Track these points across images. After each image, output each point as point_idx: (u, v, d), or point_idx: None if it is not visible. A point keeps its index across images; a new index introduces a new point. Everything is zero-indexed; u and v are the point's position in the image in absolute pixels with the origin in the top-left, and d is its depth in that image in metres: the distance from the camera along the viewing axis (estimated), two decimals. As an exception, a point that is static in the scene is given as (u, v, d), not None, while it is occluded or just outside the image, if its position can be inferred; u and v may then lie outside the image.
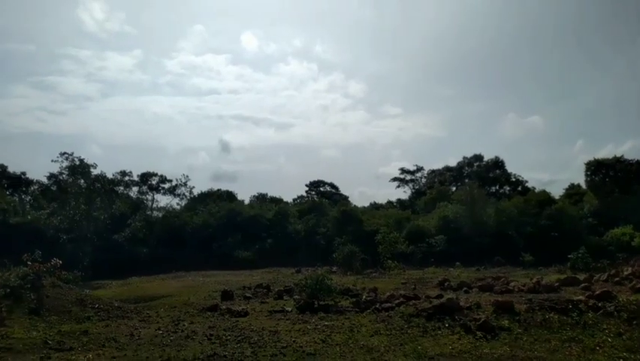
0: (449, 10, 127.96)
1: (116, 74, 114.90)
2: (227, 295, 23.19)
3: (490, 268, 36.56)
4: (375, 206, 68.59)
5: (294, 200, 73.36)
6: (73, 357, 11.64)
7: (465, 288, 24.32)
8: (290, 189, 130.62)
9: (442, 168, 77.44)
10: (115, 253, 41.26)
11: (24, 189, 57.32)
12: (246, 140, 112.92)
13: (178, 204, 58.99)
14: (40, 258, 18.58)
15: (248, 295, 24.33)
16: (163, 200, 60.24)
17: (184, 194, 60.10)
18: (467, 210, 47.49)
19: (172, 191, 60.18)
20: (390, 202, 72.91)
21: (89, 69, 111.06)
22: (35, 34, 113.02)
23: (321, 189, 76.28)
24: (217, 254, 44.22)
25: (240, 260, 43.36)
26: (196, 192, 60.72)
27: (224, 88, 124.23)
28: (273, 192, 71.87)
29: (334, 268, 36.76)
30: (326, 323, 16.20)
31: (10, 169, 55.44)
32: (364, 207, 65.52)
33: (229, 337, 14.22)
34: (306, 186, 76.75)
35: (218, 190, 63.60)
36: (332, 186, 76.54)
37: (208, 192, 62.16)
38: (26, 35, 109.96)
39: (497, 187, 70.35)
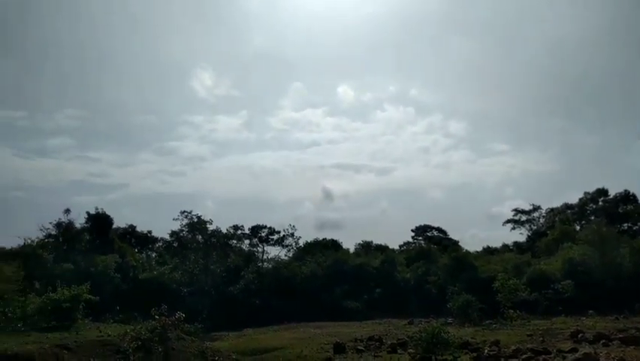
0: (552, 38, 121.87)
1: (226, 134, 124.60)
2: (339, 348, 22.84)
3: (632, 316, 32.06)
4: (489, 250, 64.54)
5: (401, 247, 71.57)
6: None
7: (603, 340, 21.52)
8: (395, 235, 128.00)
9: (562, 206, 71.25)
10: (230, 305, 42.96)
11: (150, 246, 62.72)
12: (347, 187, 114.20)
13: (286, 255, 60.62)
14: (166, 311, 19.84)
15: (360, 348, 23.76)
16: (272, 251, 62.22)
17: (291, 245, 61.72)
18: (596, 251, 42.75)
19: (280, 242, 62.06)
20: (505, 245, 68.22)
21: (202, 132, 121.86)
22: (156, 106, 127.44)
23: (429, 234, 73.75)
24: (326, 305, 44.09)
25: (348, 311, 42.83)
26: (302, 242, 62.05)
27: (323, 139, 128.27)
28: (377, 240, 70.79)
29: (449, 319, 34.74)
30: (446, 381, 15.18)
31: (139, 229, 61.20)
32: (477, 251, 61.92)
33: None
34: (412, 231, 74.78)
35: (324, 239, 64.22)
36: (440, 230, 73.71)
37: (314, 241, 63.05)
38: (149, 108, 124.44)
39: (630, 224, 62.70)
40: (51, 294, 22.19)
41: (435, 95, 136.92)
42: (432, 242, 67.13)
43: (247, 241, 61.68)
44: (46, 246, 39.58)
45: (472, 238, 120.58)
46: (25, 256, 34.89)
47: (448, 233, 73.17)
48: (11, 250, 37.51)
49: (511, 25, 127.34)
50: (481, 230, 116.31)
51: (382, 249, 64.25)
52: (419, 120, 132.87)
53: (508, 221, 75.11)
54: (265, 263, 56.32)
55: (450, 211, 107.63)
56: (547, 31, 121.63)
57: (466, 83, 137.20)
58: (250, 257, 55.40)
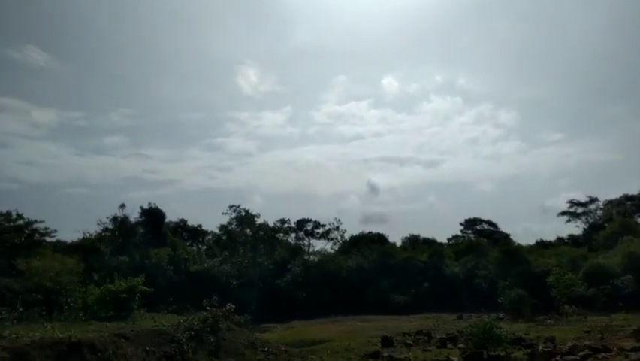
0: (608, 19, 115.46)
1: (271, 130, 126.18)
2: (387, 342, 22.71)
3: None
4: (542, 244, 62.20)
5: (449, 240, 70.23)
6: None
7: (670, 340, 20.29)
8: (443, 229, 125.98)
9: (621, 197, 67.55)
10: (277, 297, 43.59)
11: (201, 239, 64.50)
12: (393, 181, 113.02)
13: (332, 248, 60.82)
14: (216, 303, 20.37)
15: (408, 342, 23.54)
16: (318, 245, 62.64)
17: (337, 238, 61.83)
18: (659, 244, 40.34)
19: (325, 235, 62.30)
20: (560, 239, 65.53)
21: (247, 128, 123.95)
22: (204, 104, 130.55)
23: (478, 227, 71.90)
24: (372, 298, 43.95)
25: (395, 305, 42.51)
26: (348, 235, 62.06)
27: (367, 132, 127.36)
28: (425, 233, 69.97)
29: (501, 315, 33.83)
30: (499, 377, 14.79)
31: (189, 223, 63.06)
32: (530, 245, 59.83)
33: (394, 387, 13.72)
34: (461, 224, 73.15)
35: (370, 233, 63.91)
36: (490, 223, 71.69)
37: (359, 235, 62.88)
38: (197, 105, 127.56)
39: (695, 215, 58.74)
40: (109, 285, 23.21)
41: (483, 84, 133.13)
42: (482, 235, 65.46)
43: (293, 235, 62.40)
44: (103, 239, 41.49)
45: (525, 231, 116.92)
46: (85, 249, 36.71)
47: (499, 226, 71.20)
48: (72, 243, 39.57)
49: (563, 7, 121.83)
50: (533, 223, 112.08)
51: (430, 242, 63.38)
52: (467, 110, 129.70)
53: (563, 213, 72.09)
54: (311, 256, 56.69)
55: (501, 204, 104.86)
56: (602, 11, 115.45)
57: (516, 70, 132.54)
58: (296, 250, 55.93)
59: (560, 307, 32.94)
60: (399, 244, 64.09)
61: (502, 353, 18.59)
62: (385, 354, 19.49)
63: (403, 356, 18.78)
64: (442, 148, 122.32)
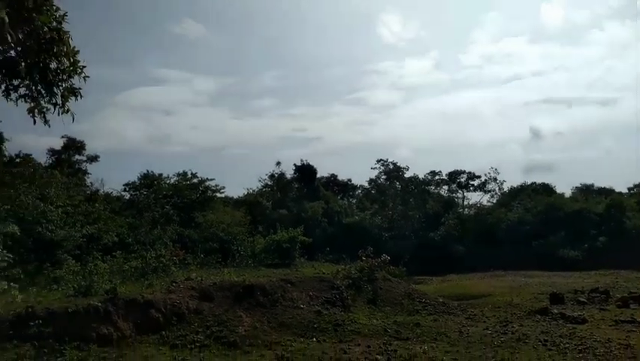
0: None
1: (415, 78, 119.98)
2: (556, 299, 20.93)
3: None
4: None
5: (630, 190, 61.34)
6: (411, 346, 12.29)
7: None
8: (623, 176, 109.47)
9: None
10: (431, 250, 42.98)
11: (351, 193, 66.40)
12: (560, 124, 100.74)
13: (489, 201, 57.57)
14: (371, 254, 20.76)
15: (582, 299, 21.42)
16: (473, 197, 59.68)
17: (494, 190, 58.30)
18: None
19: (481, 187, 59.11)
20: None
21: (391, 79, 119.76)
22: (345, 57, 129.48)
23: (668, 173, 61.67)
24: (537, 253, 40.81)
25: (564, 260, 38.93)
26: (507, 186, 57.97)
27: (527, 71, 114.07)
28: (600, 182, 61.96)
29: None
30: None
31: (340, 177, 65.15)
32: None
33: (567, 345, 12.67)
34: (645, 171, 63.47)
35: (533, 183, 58.68)
36: (684, 168, 60.94)
37: (521, 186, 58.18)
38: (339, 59, 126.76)
39: None
40: (273, 235, 25.22)
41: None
42: (673, 182, 56.01)
43: (445, 187, 60.35)
44: (264, 194, 45.07)
45: None
46: (249, 203, 40.27)
47: (696, 172, 59.97)
48: (238, 198, 43.75)
49: None
50: None
51: (607, 192, 56.19)
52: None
53: None
54: (466, 209, 54.48)
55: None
56: None
57: None
58: (450, 203, 54.19)
59: None
60: (568, 194, 57.89)
61: None
62: (555, 311, 17.98)
63: (576, 314, 17.09)
64: (619, 84, 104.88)
